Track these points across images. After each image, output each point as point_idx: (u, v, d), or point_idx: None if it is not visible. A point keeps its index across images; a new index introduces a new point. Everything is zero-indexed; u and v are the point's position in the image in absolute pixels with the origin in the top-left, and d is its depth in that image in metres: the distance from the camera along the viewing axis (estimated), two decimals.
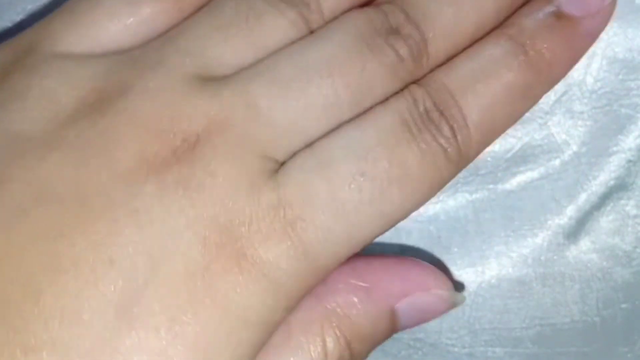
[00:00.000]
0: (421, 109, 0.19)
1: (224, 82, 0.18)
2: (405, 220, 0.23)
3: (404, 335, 0.24)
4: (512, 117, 0.20)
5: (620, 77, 0.23)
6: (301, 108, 0.18)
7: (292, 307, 0.18)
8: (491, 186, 0.23)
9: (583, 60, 0.23)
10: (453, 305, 0.20)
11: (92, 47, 0.19)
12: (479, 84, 0.19)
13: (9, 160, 0.17)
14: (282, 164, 0.18)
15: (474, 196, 0.23)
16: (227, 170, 0.17)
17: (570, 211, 0.23)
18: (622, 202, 0.23)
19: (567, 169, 0.23)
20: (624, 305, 0.23)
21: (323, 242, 0.18)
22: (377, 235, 0.19)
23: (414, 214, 0.23)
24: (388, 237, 0.23)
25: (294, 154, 0.18)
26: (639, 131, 0.23)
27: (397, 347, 0.24)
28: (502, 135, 0.23)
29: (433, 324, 0.24)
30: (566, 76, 0.23)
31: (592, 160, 0.23)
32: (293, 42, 0.19)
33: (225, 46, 0.19)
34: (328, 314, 0.19)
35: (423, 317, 0.20)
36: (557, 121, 0.23)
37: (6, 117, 0.18)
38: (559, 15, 0.20)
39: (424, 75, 0.20)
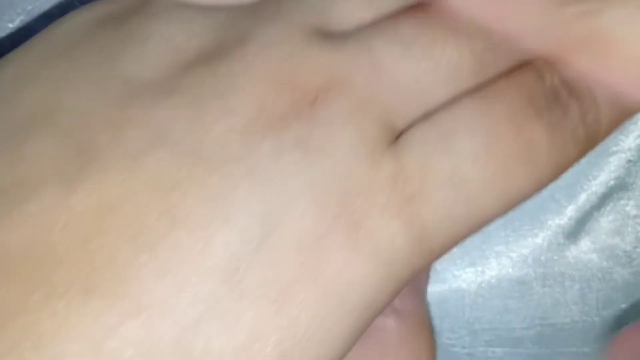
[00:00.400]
0: (548, 84, 0.17)
1: (346, 37, 0.17)
2: None
3: None
4: None
5: None
6: (424, 70, 0.17)
7: (398, 292, 0.17)
8: None
9: None
10: None
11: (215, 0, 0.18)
12: (611, 61, 0.18)
13: (128, 102, 0.16)
14: (400, 133, 0.17)
15: None
16: (348, 134, 0.16)
17: (571, 211, 0.23)
18: (622, 202, 0.23)
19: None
20: (624, 306, 0.23)
21: (440, 222, 0.16)
22: (498, 217, 0.17)
23: None
24: None
25: (413, 123, 0.17)
26: (639, 131, 0.23)
27: None
28: None
29: (433, 324, 0.24)
30: None
31: (592, 160, 0.23)
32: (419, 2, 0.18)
33: (346, 3, 0.17)
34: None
35: None
36: None
37: (125, 60, 0.17)
38: None
39: (555, 49, 0.18)
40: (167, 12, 0.18)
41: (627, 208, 0.23)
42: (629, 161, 0.23)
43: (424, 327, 0.19)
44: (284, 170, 0.15)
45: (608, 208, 0.23)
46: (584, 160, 0.23)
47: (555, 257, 0.23)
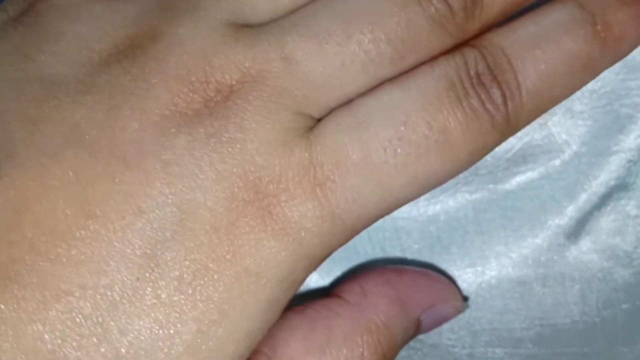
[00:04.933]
0: (472, 71, 0.18)
1: (259, 32, 0.18)
2: (405, 220, 0.23)
3: None
4: (569, 89, 0.19)
5: (621, 76, 0.23)
6: (339, 63, 0.17)
7: (314, 266, 0.18)
8: (491, 186, 0.23)
9: None
10: (461, 312, 0.22)
11: None
12: (539, 49, 0.18)
13: (42, 101, 0.17)
14: (319, 120, 0.18)
15: (474, 196, 0.23)
16: (260, 126, 0.17)
17: (571, 211, 0.23)
18: (623, 202, 0.23)
19: (568, 168, 0.23)
20: (624, 306, 0.23)
21: (352, 203, 0.17)
22: (411, 199, 0.18)
23: (414, 214, 0.23)
24: (388, 238, 0.23)
25: (331, 111, 0.18)
26: (639, 131, 0.23)
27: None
28: None
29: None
30: None
31: (592, 160, 0.23)
32: None
33: None
34: (369, 326, 0.19)
35: (439, 324, 0.21)
36: (557, 121, 0.23)
37: (39, 59, 0.18)
38: None
39: (478, 35, 0.19)
40: (77, 7, 0.18)
41: (628, 208, 0.23)
42: (630, 161, 0.23)
43: (384, 332, 0.20)
44: (196, 163, 0.17)
45: (608, 208, 0.23)
46: (584, 160, 0.23)
47: (555, 258, 0.23)
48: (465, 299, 0.23)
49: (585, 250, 0.23)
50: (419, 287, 0.21)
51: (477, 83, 0.18)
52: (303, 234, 0.17)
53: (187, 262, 0.16)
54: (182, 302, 0.16)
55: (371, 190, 0.17)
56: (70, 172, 0.16)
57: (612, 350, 0.24)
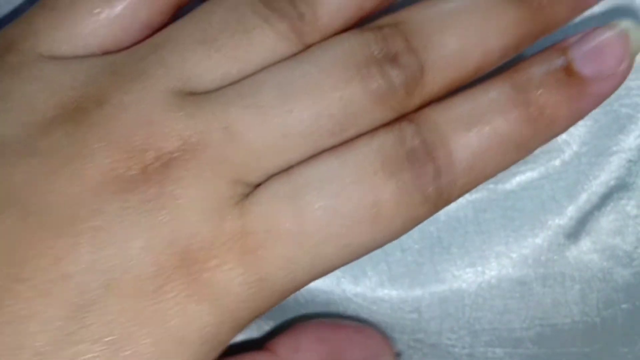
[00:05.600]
0: (408, 145, 0.18)
1: (203, 101, 0.18)
2: None
3: (403, 336, 0.24)
4: (501, 166, 0.19)
5: None
6: (279, 134, 0.18)
7: (240, 328, 0.18)
8: (491, 186, 0.23)
9: None
10: None
11: (75, 46, 0.19)
12: (473, 129, 0.18)
13: None
14: (257, 185, 0.18)
15: (474, 196, 0.23)
16: (194, 194, 0.17)
17: (571, 211, 0.23)
18: (623, 202, 0.23)
19: (568, 169, 0.23)
20: (624, 306, 0.23)
21: (281, 270, 0.18)
22: (342, 265, 0.19)
23: None
24: None
25: (269, 177, 0.18)
26: (639, 131, 0.23)
27: (397, 347, 0.24)
28: None
29: (433, 325, 0.24)
30: None
31: (592, 160, 0.23)
32: (282, 59, 0.19)
33: (209, 61, 0.18)
34: None
35: None
36: None
37: None
38: (570, 72, 0.19)
39: (418, 109, 0.19)
40: (27, 68, 0.19)
41: (628, 208, 0.23)
42: (630, 161, 0.23)
43: None
44: (126, 230, 0.17)
45: (608, 208, 0.23)
46: (584, 160, 0.23)
47: (555, 258, 0.23)
48: (398, 354, 0.23)
49: (585, 250, 0.23)
50: (352, 344, 0.22)
51: (412, 158, 0.18)
52: (230, 300, 0.17)
53: (111, 326, 0.17)
54: None
55: (302, 258, 0.18)
56: (1, 235, 0.17)
57: (612, 350, 0.24)
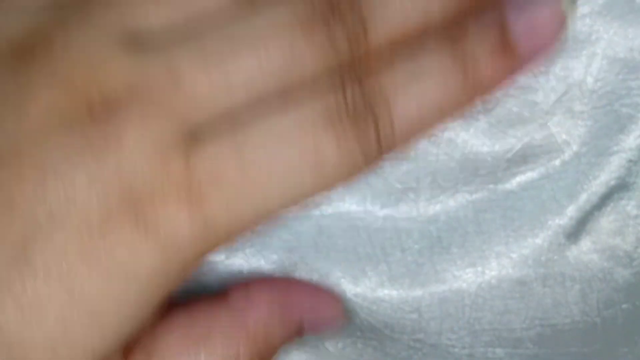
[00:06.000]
0: (349, 99, 0.19)
1: (149, 47, 0.18)
2: (405, 221, 0.23)
3: (404, 336, 0.24)
4: (435, 126, 0.20)
5: (621, 76, 0.23)
6: (223, 82, 0.18)
7: (187, 269, 0.19)
8: (491, 186, 0.23)
9: (583, 60, 0.23)
10: (340, 323, 0.23)
11: None
12: (412, 88, 0.19)
13: None
14: (202, 133, 0.19)
15: (474, 196, 0.23)
16: (139, 136, 0.18)
17: (571, 211, 0.23)
18: (623, 202, 0.23)
19: (568, 169, 0.23)
20: (624, 306, 0.23)
21: (226, 212, 0.18)
22: (285, 209, 0.19)
23: (414, 214, 0.23)
24: (388, 238, 0.23)
25: (212, 126, 0.19)
26: (639, 131, 0.23)
27: (397, 347, 0.24)
28: (502, 135, 0.23)
29: (433, 325, 0.24)
30: (566, 76, 0.23)
31: (592, 160, 0.23)
32: (228, 11, 0.19)
33: (157, 8, 0.19)
34: (247, 327, 0.21)
35: (321, 327, 0.23)
36: (558, 121, 0.23)
37: None
38: (506, 43, 0.20)
39: (361, 65, 0.19)
40: None
41: (628, 208, 0.23)
42: (630, 161, 0.23)
43: (262, 334, 0.21)
44: (73, 166, 0.17)
45: (609, 208, 0.23)
46: (584, 160, 0.23)
47: (555, 258, 0.23)
48: (346, 315, 0.24)
49: (585, 250, 0.23)
50: (302, 292, 0.22)
51: (353, 112, 0.19)
52: (175, 238, 0.18)
53: (56, 259, 0.17)
54: (47, 294, 0.17)
55: (245, 201, 0.18)
56: None
57: (613, 350, 0.24)
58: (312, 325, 0.23)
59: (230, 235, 0.19)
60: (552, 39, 0.20)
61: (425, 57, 0.20)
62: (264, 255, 0.23)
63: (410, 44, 0.20)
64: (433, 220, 0.23)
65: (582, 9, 0.22)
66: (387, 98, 0.19)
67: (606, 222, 0.23)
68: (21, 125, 0.18)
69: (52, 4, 0.19)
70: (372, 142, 0.19)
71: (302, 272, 0.23)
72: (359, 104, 0.19)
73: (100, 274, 0.18)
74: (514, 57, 0.20)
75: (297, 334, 0.22)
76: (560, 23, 0.20)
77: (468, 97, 0.20)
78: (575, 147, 0.23)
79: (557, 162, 0.23)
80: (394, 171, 0.23)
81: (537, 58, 0.20)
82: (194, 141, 0.18)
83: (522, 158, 0.23)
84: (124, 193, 0.18)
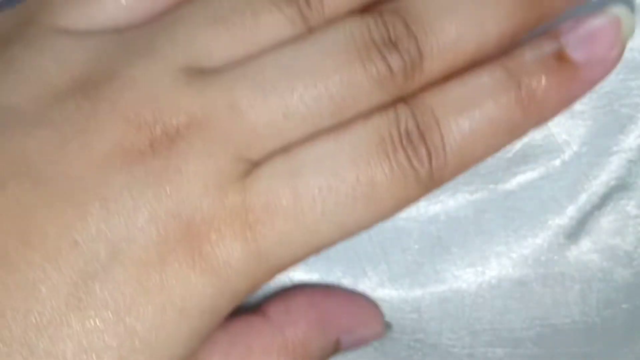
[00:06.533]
0: (402, 128, 0.19)
1: (210, 79, 0.19)
2: (405, 220, 0.23)
3: (404, 336, 0.24)
4: (492, 149, 0.20)
5: (621, 76, 0.23)
6: (281, 114, 0.19)
7: (238, 300, 0.19)
8: (491, 186, 0.23)
9: None
10: (380, 337, 0.23)
11: (90, 24, 0.20)
12: (464, 112, 0.19)
13: (1, 130, 0.18)
14: (258, 163, 0.19)
15: (474, 196, 0.23)
16: (198, 168, 0.18)
17: (571, 211, 0.23)
18: (623, 202, 0.23)
19: (568, 169, 0.23)
20: (624, 306, 0.23)
21: (279, 246, 0.18)
22: (338, 242, 0.19)
23: (414, 214, 0.23)
24: (388, 238, 0.23)
25: (269, 156, 0.19)
26: (639, 131, 0.23)
27: (397, 347, 0.24)
28: None
29: (433, 325, 0.24)
30: None
31: (592, 160, 0.23)
32: (287, 42, 0.19)
33: (218, 41, 0.19)
34: (287, 344, 0.21)
35: (358, 345, 0.23)
36: (558, 121, 0.23)
37: (2, 89, 0.19)
38: (561, 57, 0.20)
39: (414, 93, 0.20)
40: (43, 40, 0.19)
41: (628, 208, 0.23)
42: (630, 161, 0.23)
43: (301, 352, 0.21)
44: (133, 200, 0.18)
45: (609, 208, 0.23)
46: (584, 160, 0.23)
47: (555, 258, 0.23)
48: (387, 325, 0.24)
49: (585, 250, 0.23)
50: (341, 310, 0.22)
51: (406, 139, 0.19)
52: (229, 272, 0.18)
53: (115, 294, 0.18)
54: (107, 330, 0.17)
55: (298, 234, 0.19)
56: (14, 203, 0.18)
57: (613, 350, 0.24)
58: (351, 341, 0.22)
59: (280, 269, 0.19)
60: (609, 48, 0.20)
61: (477, 76, 0.20)
62: None
63: (465, 69, 0.20)
64: (433, 220, 0.23)
65: (582, 8, 0.22)
66: (438, 122, 0.19)
67: (606, 222, 0.23)
68: (86, 161, 0.18)
69: (116, 40, 0.19)
70: (425, 168, 0.19)
71: (302, 272, 0.23)
72: (413, 133, 0.19)
73: (156, 310, 0.18)
74: (571, 69, 0.20)
75: (335, 349, 0.22)
76: (617, 31, 0.20)
77: (525, 114, 0.20)
78: (575, 147, 0.23)
79: (557, 162, 0.23)
80: None
81: (597, 69, 0.20)
82: (249, 172, 0.19)
83: (522, 158, 0.23)
84: (182, 228, 0.18)
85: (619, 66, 0.23)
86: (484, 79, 0.19)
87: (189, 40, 0.19)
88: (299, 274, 0.23)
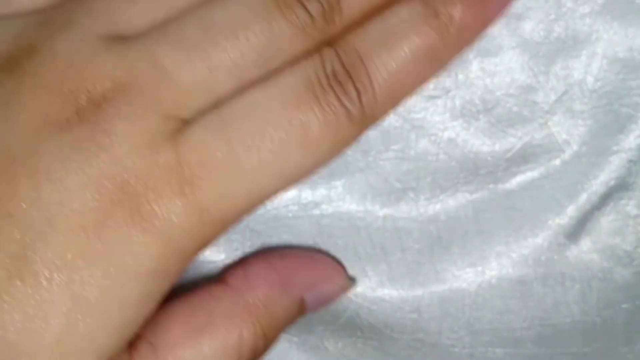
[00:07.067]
0: (329, 70, 0.19)
1: (131, 43, 0.19)
2: (405, 220, 0.23)
3: (404, 336, 0.24)
4: (419, 80, 0.20)
5: (621, 76, 0.23)
6: (206, 69, 0.19)
7: (187, 259, 0.19)
8: (491, 186, 0.23)
9: (583, 60, 0.23)
10: (346, 290, 0.23)
11: (11, 7, 0.20)
12: (387, 46, 0.20)
13: None
14: (190, 120, 0.19)
15: (474, 196, 0.23)
16: (126, 129, 0.18)
17: (571, 211, 0.23)
18: (623, 202, 0.23)
19: (568, 168, 0.23)
20: (624, 306, 0.23)
21: (219, 198, 0.19)
22: (280, 190, 0.19)
23: (414, 213, 0.23)
24: (388, 238, 0.23)
25: (200, 112, 0.19)
26: (639, 130, 0.23)
27: (397, 347, 0.24)
28: (503, 134, 0.23)
29: (433, 325, 0.24)
30: (567, 76, 0.23)
31: (592, 159, 0.23)
32: (204, 1, 0.20)
33: (135, 7, 0.19)
34: (249, 307, 0.21)
35: (324, 302, 0.23)
36: (558, 121, 0.23)
37: None
38: None
39: (338, 35, 0.20)
40: None
41: (628, 208, 0.23)
42: (630, 161, 0.23)
43: (264, 313, 0.21)
44: (64, 167, 0.18)
45: (609, 208, 0.23)
46: (584, 160, 0.23)
47: (555, 257, 0.23)
48: (351, 278, 0.23)
49: (585, 249, 0.23)
50: (301, 268, 0.22)
51: (334, 80, 0.19)
52: (172, 229, 0.18)
53: (56, 261, 0.17)
54: (52, 298, 0.17)
55: (237, 185, 0.19)
56: None
57: (613, 350, 0.24)
58: (316, 299, 0.22)
59: (226, 223, 0.19)
60: None
61: (396, 11, 0.20)
62: None
63: (383, 6, 0.20)
64: (433, 219, 0.23)
65: (583, 8, 0.22)
66: (363, 60, 0.19)
67: (606, 221, 0.23)
68: (12, 135, 0.18)
69: (35, 18, 0.20)
70: (356, 106, 0.19)
71: None
72: (339, 73, 0.19)
73: (100, 274, 0.18)
74: None
75: (300, 311, 0.22)
76: None
77: (446, 41, 0.20)
78: (575, 147, 0.23)
79: (557, 162, 0.23)
80: (394, 171, 0.23)
81: None
82: (181, 129, 0.19)
83: (522, 158, 0.23)
84: (117, 189, 0.18)
85: (619, 66, 0.23)
86: (403, 13, 0.20)
87: (106, 9, 0.19)
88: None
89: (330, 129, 0.19)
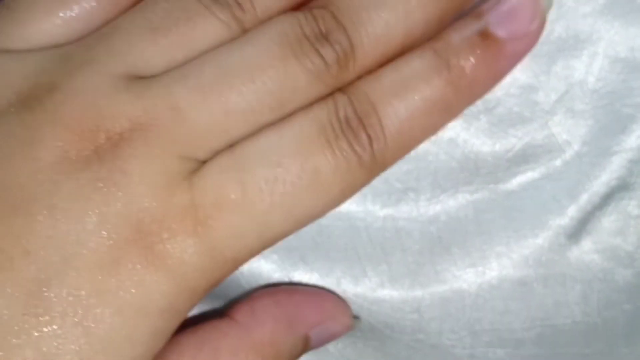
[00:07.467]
0: (342, 116, 0.20)
1: (149, 84, 0.19)
2: (405, 221, 0.23)
3: (404, 337, 0.24)
4: (429, 130, 0.21)
5: (622, 76, 0.23)
6: (222, 112, 0.19)
7: (198, 297, 0.19)
8: (492, 186, 0.23)
9: (584, 60, 0.23)
10: (350, 329, 0.23)
11: (29, 43, 0.20)
12: (399, 96, 0.20)
13: None
14: (205, 161, 0.19)
15: (474, 196, 0.23)
16: (143, 170, 0.18)
17: (572, 211, 0.23)
18: (624, 202, 0.23)
19: (569, 168, 0.23)
20: (625, 306, 0.23)
21: (231, 239, 0.19)
22: (290, 233, 0.20)
23: (414, 214, 0.23)
24: (389, 238, 0.23)
25: (215, 154, 0.19)
26: None
27: (397, 348, 0.24)
28: (503, 134, 0.23)
29: (434, 325, 0.23)
30: (567, 75, 0.23)
31: (593, 160, 0.23)
32: (223, 44, 0.20)
33: (155, 47, 0.20)
34: (254, 344, 0.21)
35: (328, 340, 0.23)
36: (558, 121, 0.23)
37: None
38: (485, 35, 0.21)
39: (351, 82, 0.20)
40: None
41: (629, 208, 0.23)
42: (631, 161, 0.23)
43: (269, 350, 0.22)
44: (81, 206, 0.18)
45: (610, 208, 0.23)
46: (585, 160, 0.23)
47: (556, 258, 0.23)
48: (355, 317, 0.24)
49: (586, 250, 0.23)
50: (307, 306, 0.23)
51: (346, 126, 0.20)
52: (184, 269, 0.19)
53: (70, 298, 0.18)
54: (65, 335, 0.18)
55: (249, 226, 0.19)
56: None
57: (613, 350, 0.24)
58: (321, 336, 0.23)
59: (237, 263, 0.19)
60: (529, 22, 0.21)
61: (408, 61, 0.20)
62: (264, 255, 0.23)
63: (396, 55, 0.21)
64: (433, 220, 0.23)
65: (584, 8, 0.22)
66: (375, 107, 0.20)
67: (607, 222, 0.23)
68: (32, 171, 0.18)
69: (55, 54, 0.20)
70: (367, 152, 0.20)
71: (302, 272, 0.23)
72: (352, 119, 0.20)
73: (113, 311, 0.18)
74: (497, 46, 0.20)
75: (305, 348, 0.22)
76: (536, 6, 0.21)
77: (457, 93, 0.20)
78: (576, 147, 0.23)
79: (558, 162, 0.23)
80: (394, 171, 0.23)
81: (520, 44, 0.21)
82: (196, 169, 0.19)
83: (523, 158, 0.23)
84: (133, 229, 0.18)
85: (620, 66, 0.23)
86: (415, 63, 0.20)
87: (126, 48, 0.19)
88: (298, 274, 0.23)
89: (342, 174, 0.19)
